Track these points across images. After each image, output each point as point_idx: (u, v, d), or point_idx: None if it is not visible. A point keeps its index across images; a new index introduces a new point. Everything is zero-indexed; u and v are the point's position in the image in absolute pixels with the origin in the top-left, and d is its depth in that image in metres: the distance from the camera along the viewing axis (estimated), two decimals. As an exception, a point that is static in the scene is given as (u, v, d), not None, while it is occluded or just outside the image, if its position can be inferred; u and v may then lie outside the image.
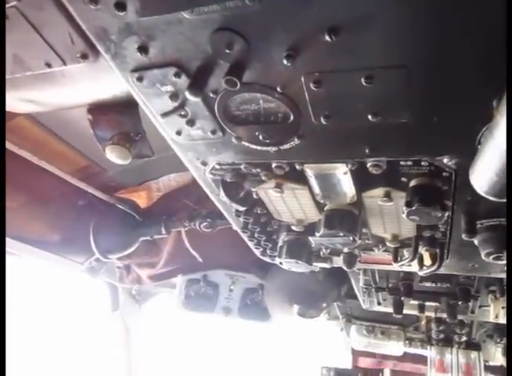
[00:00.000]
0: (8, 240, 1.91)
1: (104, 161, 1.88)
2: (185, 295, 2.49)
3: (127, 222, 1.98)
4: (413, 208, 0.96)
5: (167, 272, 2.37)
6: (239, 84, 0.78)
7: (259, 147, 1.00)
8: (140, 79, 0.90)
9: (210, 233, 1.87)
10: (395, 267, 1.37)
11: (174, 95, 0.91)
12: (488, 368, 2.65)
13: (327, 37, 0.71)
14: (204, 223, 1.83)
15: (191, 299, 2.49)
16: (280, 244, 1.40)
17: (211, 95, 0.90)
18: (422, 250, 1.24)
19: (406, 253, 1.30)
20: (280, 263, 1.41)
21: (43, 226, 2.07)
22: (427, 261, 1.27)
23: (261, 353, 3.66)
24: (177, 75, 0.86)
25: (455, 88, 0.76)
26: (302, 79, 0.80)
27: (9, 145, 1.62)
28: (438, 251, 1.23)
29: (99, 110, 1.25)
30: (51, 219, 2.04)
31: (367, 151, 0.92)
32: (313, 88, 0.80)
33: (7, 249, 1.94)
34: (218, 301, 2.49)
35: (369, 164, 0.96)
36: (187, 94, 0.81)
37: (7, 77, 1.16)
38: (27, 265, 2.39)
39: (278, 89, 0.84)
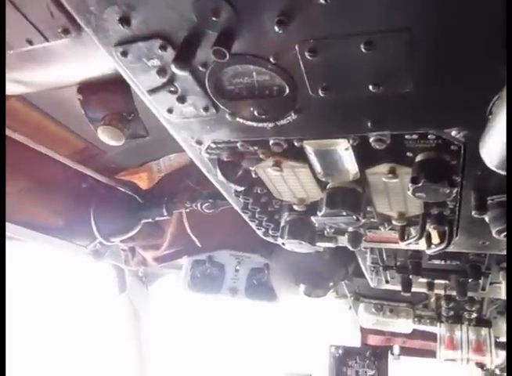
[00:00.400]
0: (11, 226, 1.89)
1: (102, 143, 1.84)
2: (190, 276, 2.47)
3: (128, 205, 1.95)
4: (420, 185, 0.90)
5: (171, 253, 2.35)
6: (228, 55, 0.72)
7: (255, 124, 0.94)
8: (125, 54, 0.84)
9: (213, 213, 1.83)
10: (402, 246, 1.33)
11: (161, 70, 0.86)
12: (498, 344, 2.62)
13: (321, -1, 0.64)
14: (206, 204, 1.79)
15: (197, 280, 2.47)
16: (282, 224, 1.36)
17: (201, 68, 0.84)
18: (430, 228, 1.19)
19: (413, 231, 1.25)
20: (283, 244, 1.37)
21: (44, 211, 2.04)
22: (435, 239, 1.22)
23: (269, 333, 3.67)
24: (162, 48, 0.80)
25: (463, 52, 0.70)
26: (296, 47, 0.74)
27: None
28: (446, 228, 1.18)
29: (89, 90, 1.20)
30: (52, 203, 2.01)
31: (369, 125, 0.86)
32: (308, 57, 0.74)
33: (11, 235, 1.93)
34: (225, 282, 2.47)
35: (371, 139, 0.90)
36: (173, 67, 0.75)
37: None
38: (33, 250, 2.38)
39: (271, 60, 0.78)
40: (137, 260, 2.50)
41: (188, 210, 1.90)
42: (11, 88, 1.30)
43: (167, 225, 2.21)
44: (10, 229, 1.89)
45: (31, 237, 2.02)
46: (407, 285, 1.97)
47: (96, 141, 1.87)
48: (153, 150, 1.98)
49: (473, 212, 1.03)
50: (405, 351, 3.09)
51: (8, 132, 1.60)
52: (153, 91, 0.89)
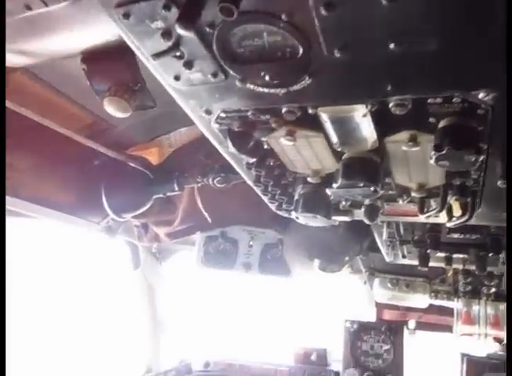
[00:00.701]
0: (23, 203, 1.88)
1: (111, 117, 1.80)
2: (204, 252, 2.46)
3: (139, 180, 1.92)
4: (443, 152, 0.85)
5: (184, 229, 2.33)
6: (236, 13, 0.67)
7: (266, 90, 0.89)
8: (127, 15, 0.79)
9: (225, 188, 1.79)
10: (421, 219, 1.27)
11: (166, 33, 0.80)
12: (517, 319, 2.57)
13: None
14: (218, 178, 1.74)
15: (210, 256, 2.46)
16: (296, 197, 1.31)
17: (208, 29, 0.78)
18: (451, 199, 1.13)
19: (434, 203, 1.20)
20: (297, 218, 1.33)
21: (55, 187, 2.03)
22: (457, 211, 1.17)
23: (283, 307, 3.68)
24: (166, 7, 0.75)
25: (493, 5, 0.63)
26: (311, 2, 0.68)
27: (11, 104, 1.55)
28: (469, 200, 1.12)
29: (93, 59, 1.15)
30: (63, 180, 1.99)
31: (389, 88, 0.80)
32: (324, 13, 0.68)
33: (23, 212, 1.92)
34: (238, 258, 2.46)
35: (391, 104, 0.84)
36: (177, 28, 0.70)
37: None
38: (46, 228, 2.39)
39: (283, 17, 0.72)
40: (150, 236, 2.49)
41: (199, 185, 1.86)
42: (14, 60, 1.26)
43: (179, 200, 2.19)
44: (22, 205, 1.88)
45: (43, 214, 2.01)
46: (424, 260, 1.92)
47: (105, 115, 1.83)
48: (164, 124, 1.94)
49: (499, 182, 0.97)
50: (421, 326, 3.06)
51: (16, 108, 1.56)
52: (157, 56, 0.84)
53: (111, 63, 1.15)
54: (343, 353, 2.62)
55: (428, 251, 1.89)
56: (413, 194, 1.19)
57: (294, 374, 2.69)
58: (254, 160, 1.12)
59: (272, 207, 1.50)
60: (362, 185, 1.03)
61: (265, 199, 1.43)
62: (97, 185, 1.97)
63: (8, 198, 1.77)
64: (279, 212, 1.54)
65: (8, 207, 1.80)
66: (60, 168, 1.90)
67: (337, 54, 0.75)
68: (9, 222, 2.05)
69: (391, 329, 2.66)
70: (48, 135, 1.72)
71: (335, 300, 3.16)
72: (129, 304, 2.99)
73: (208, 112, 1.02)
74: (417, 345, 2.98)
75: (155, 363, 3.02)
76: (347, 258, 2.19)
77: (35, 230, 2.39)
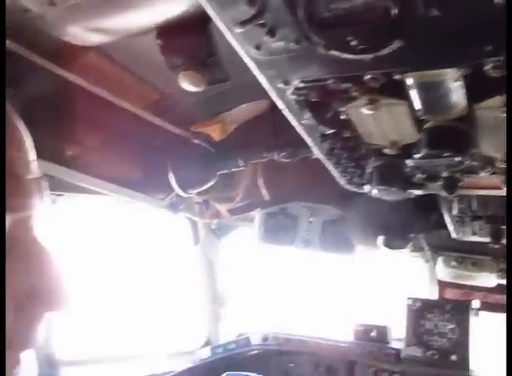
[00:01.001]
0: (93, 180, 1.95)
1: (176, 94, 1.82)
2: (264, 228, 2.47)
3: (204, 157, 1.94)
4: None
5: (245, 205, 2.35)
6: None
7: (351, 56, 0.86)
8: (210, -18, 0.78)
9: (287, 163, 1.78)
10: (503, 192, 1.21)
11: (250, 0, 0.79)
12: None
13: None
14: (283, 153, 1.74)
15: (270, 232, 2.47)
16: (370, 170, 1.28)
17: (295, -7, 0.76)
18: (542, 169, 1.06)
19: (520, 174, 1.13)
20: (370, 191, 1.30)
21: (122, 164, 2.09)
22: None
23: (344, 284, 3.66)
24: (253, -28, 0.73)
25: None
26: None
27: (82, 82, 1.60)
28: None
29: (168, 32, 1.16)
30: (130, 157, 2.05)
31: (490, 48, 0.75)
32: None
33: (92, 188, 1.99)
34: (298, 234, 2.46)
35: (488, 66, 0.79)
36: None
37: (71, 3, 1.10)
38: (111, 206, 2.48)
39: (377, -25, 0.69)
40: (211, 213, 2.53)
41: (264, 160, 1.86)
42: (91, 39, 1.30)
43: (241, 177, 2.20)
44: (92, 182, 1.96)
45: (112, 190, 2.08)
46: (498, 237, 1.84)
47: (171, 92, 1.86)
48: (227, 100, 1.94)
49: None
50: (485, 306, 2.95)
51: (87, 86, 1.61)
52: (242, 24, 0.83)
53: (187, 37, 1.15)
54: (405, 331, 2.58)
55: (502, 228, 1.81)
56: (498, 165, 1.13)
57: (353, 350, 2.68)
58: (331, 131, 1.10)
59: (342, 181, 1.48)
60: (447, 155, 0.99)
61: (336, 173, 1.41)
62: (163, 162, 2.01)
63: (78, 174, 1.85)
64: (349, 187, 1.52)
65: (78, 183, 1.89)
66: (128, 146, 1.95)
67: (435, 12, 0.71)
68: (80, 198, 2.16)
69: (455, 308, 2.59)
70: (117, 113, 1.77)
71: (396, 278, 3.11)
72: (190, 278, 3.08)
73: (286, 82, 1.00)
74: (481, 326, 2.89)
75: (214, 336, 3.11)
76: (412, 235, 2.13)
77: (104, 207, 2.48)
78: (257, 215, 2.48)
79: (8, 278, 0.44)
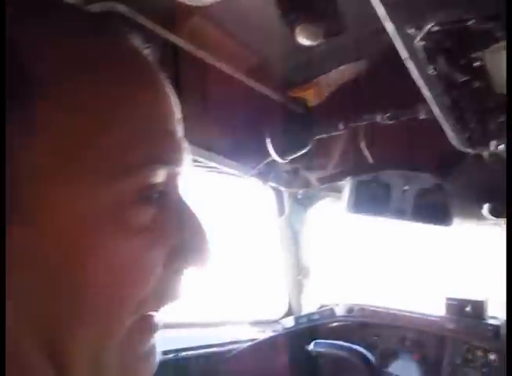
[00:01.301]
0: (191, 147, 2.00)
1: (274, 58, 1.81)
2: (355, 197, 2.42)
3: (301, 121, 1.93)
4: None
5: (337, 173, 2.31)
6: None
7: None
8: None
9: (392, 125, 1.71)
10: None
11: None
12: None
13: None
14: (387, 115, 1.67)
15: (362, 201, 2.41)
16: (494, 125, 1.20)
17: None
18: None
19: None
20: (496, 147, 1.22)
21: (215, 131, 2.11)
22: None
23: (436, 256, 3.54)
24: None
25: None
26: None
27: (186, 45, 1.63)
28: None
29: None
30: (223, 123, 2.07)
31: None
32: None
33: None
34: (390, 203, 2.37)
35: None
36: None
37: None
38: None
39: None
40: (299, 182, 2.52)
41: (365, 122, 1.81)
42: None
43: (334, 142, 2.16)
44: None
45: (205, 157, 2.12)
46: None
47: (268, 56, 1.85)
48: (322, 63, 1.90)
49: None
50: None
51: (190, 48, 1.64)
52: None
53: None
54: (506, 307, 2.44)
55: None
56: None
57: (446, 324, 2.58)
58: (462, 80, 1.03)
59: (457, 141, 1.39)
60: None
61: (452, 132, 1.33)
62: (258, 128, 2.02)
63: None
64: (462, 147, 1.44)
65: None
66: (224, 111, 1.98)
67: None
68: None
69: None
70: (218, 77, 1.79)
71: (492, 252, 2.94)
72: (274, 249, 3.11)
73: (418, 27, 0.95)
74: None
75: (296, 307, 3.14)
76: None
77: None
78: (348, 183, 2.43)
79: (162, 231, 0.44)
